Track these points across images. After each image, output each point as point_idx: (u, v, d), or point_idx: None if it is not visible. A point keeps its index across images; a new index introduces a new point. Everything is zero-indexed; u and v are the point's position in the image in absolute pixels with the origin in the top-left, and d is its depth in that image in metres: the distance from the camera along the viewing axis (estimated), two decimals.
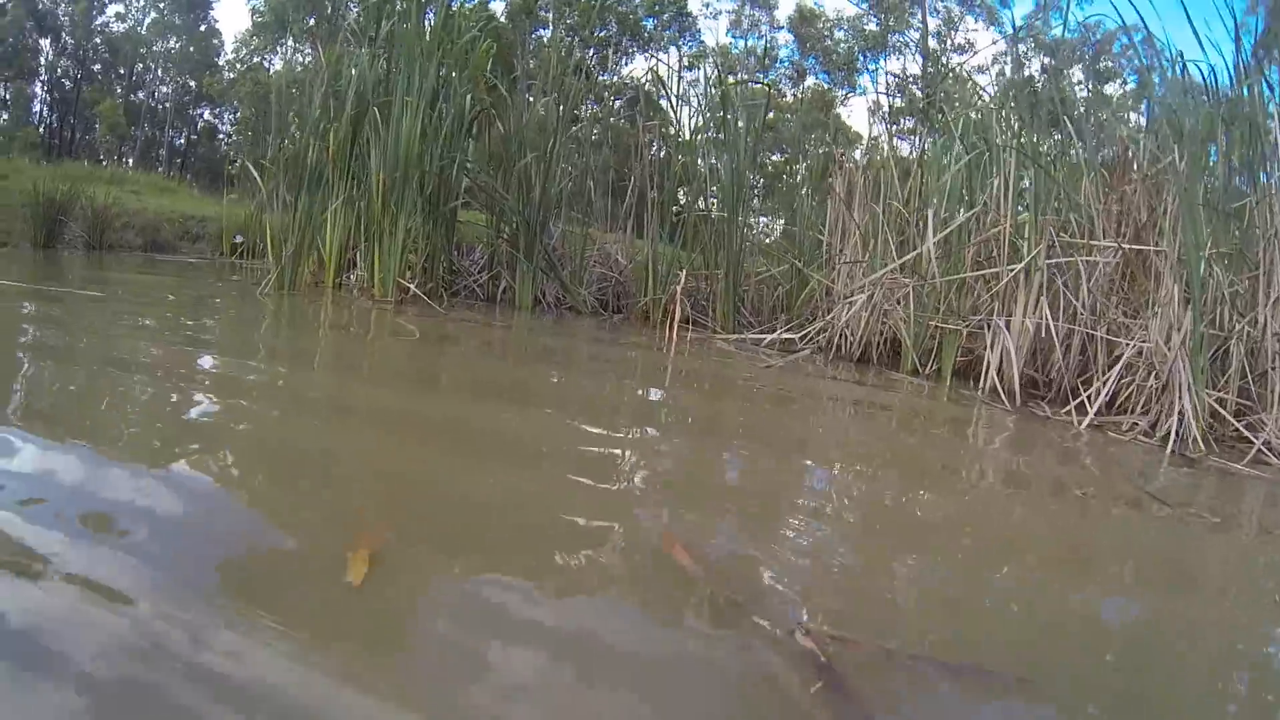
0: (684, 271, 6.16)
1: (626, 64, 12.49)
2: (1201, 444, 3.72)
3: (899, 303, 5.17)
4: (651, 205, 7.04)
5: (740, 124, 6.72)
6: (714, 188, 6.97)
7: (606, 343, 5.40)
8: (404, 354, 4.09)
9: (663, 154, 7.71)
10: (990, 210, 5.09)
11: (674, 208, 7.37)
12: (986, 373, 4.45)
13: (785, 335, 5.63)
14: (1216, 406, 3.98)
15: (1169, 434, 3.72)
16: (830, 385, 4.49)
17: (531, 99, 7.12)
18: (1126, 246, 4.55)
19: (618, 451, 2.52)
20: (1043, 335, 4.53)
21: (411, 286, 5.92)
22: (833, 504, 2.28)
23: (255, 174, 7.12)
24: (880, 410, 4.01)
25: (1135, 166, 4.89)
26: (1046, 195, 4.98)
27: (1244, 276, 4.54)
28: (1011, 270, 4.66)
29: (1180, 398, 3.83)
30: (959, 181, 5.28)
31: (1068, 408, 4.08)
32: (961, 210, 5.12)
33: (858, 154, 6.55)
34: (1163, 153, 4.68)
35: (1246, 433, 3.92)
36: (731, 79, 7.86)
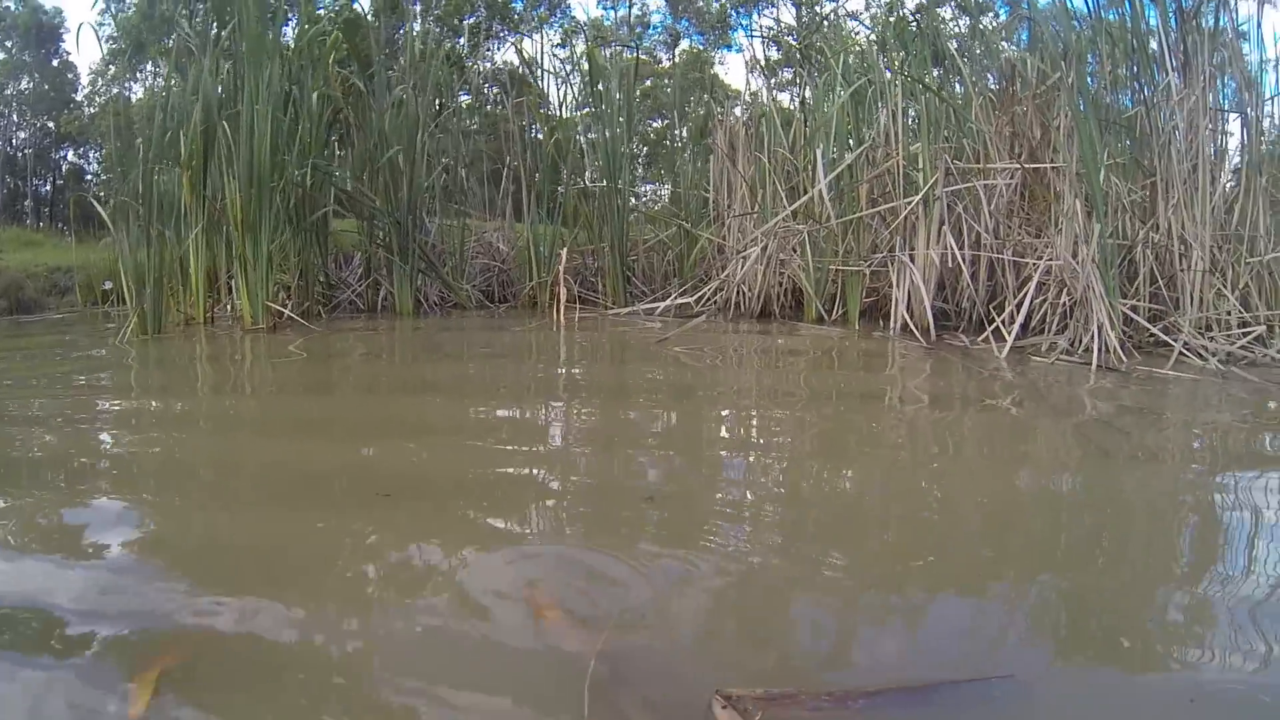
0: (564, 250, 5.72)
1: (500, 48, 11.92)
2: (1122, 354, 3.51)
3: (795, 251, 4.86)
4: (528, 186, 6.59)
5: (618, 95, 6.32)
6: (597, 161, 6.56)
7: (495, 330, 4.93)
8: (261, 394, 3.28)
9: (540, 134, 7.27)
10: (880, 145, 4.83)
11: (557, 186, 6.92)
12: (896, 310, 4.17)
13: (679, 300, 5.25)
14: (1131, 314, 3.79)
15: (1089, 348, 3.51)
16: (733, 339, 4.13)
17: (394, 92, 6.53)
18: (1024, 166, 4.34)
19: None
20: (949, 265, 4.28)
21: (285, 309, 5.18)
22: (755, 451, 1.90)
23: (101, 210, 6.09)
24: (790, 356, 3.66)
25: (1023, 86, 4.69)
26: (936, 124, 4.75)
27: (1141, 184, 4.39)
28: (909, 203, 4.39)
29: (1096, 310, 3.61)
30: (844, 120, 5.00)
31: (984, 335, 3.82)
32: (850, 148, 4.83)
33: (738, 110, 6.21)
34: (1051, 70, 4.50)
35: (1165, 336, 3.76)
36: (606, 51, 7.45)
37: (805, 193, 4.94)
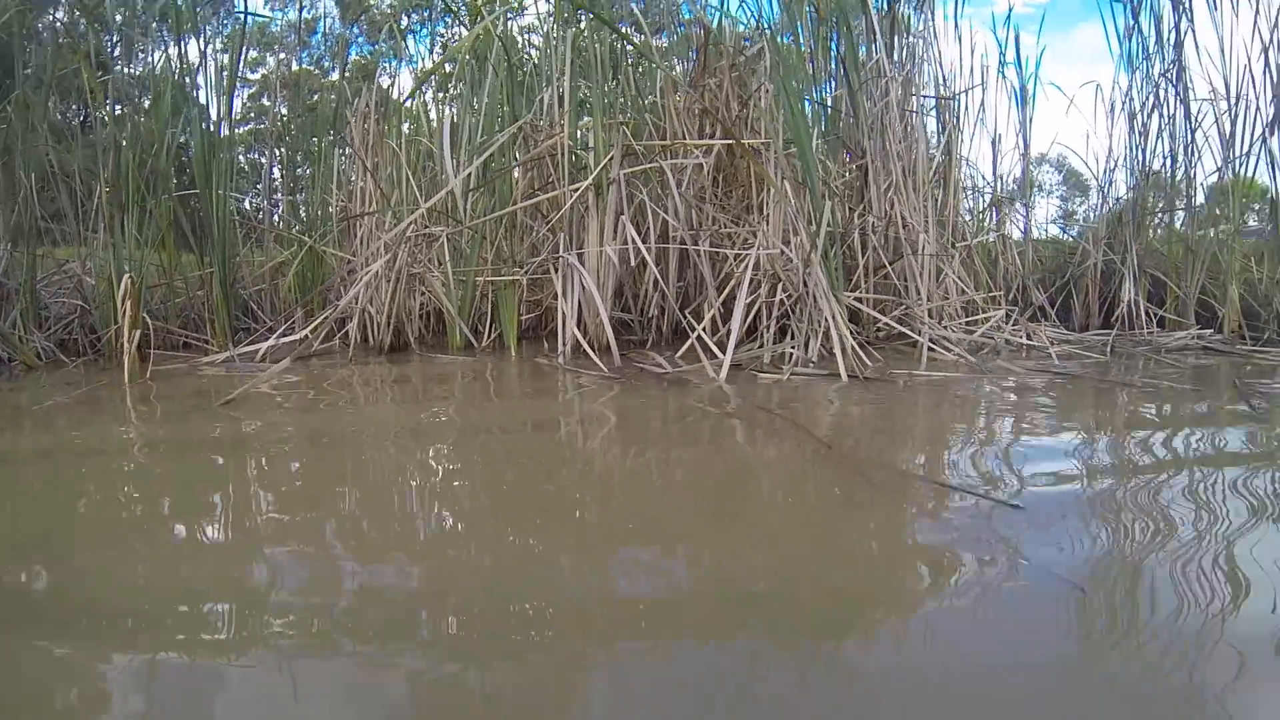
0: (126, 278, 3.94)
1: (159, 51, 9.69)
2: (864, 357, 2.56)
3: (436, 262, 3.53)
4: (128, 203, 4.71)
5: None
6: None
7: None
8: None
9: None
10: (544, 126, 3.68)
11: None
12: (565, 327, 2.96)
13: (291, 337, 3.68)
14: (860, 307, 2.90)
15: (823, 355, 2.54)
16: (299, 398, 2.62)
17: None
18: (720, 142, 3.39)
19: None
20: (631, 264, 3.17)
21: None
22: None
23: None
24: (372, 411, 2.27)
25: (718, 55, 3.81)
26: (613, 100, 3.70)
27: (851, 165, 3.62)
28: (576, 189, 3.24)
29: (825, 307, 2.65)
30: (497, 100, 3.80)
31: (682, 349, 2.72)
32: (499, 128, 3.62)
33: (371, 97, 4.85)
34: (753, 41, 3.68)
35: (902, 329, 2.92)
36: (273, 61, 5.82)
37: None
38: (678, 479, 1.54)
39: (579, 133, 3.79)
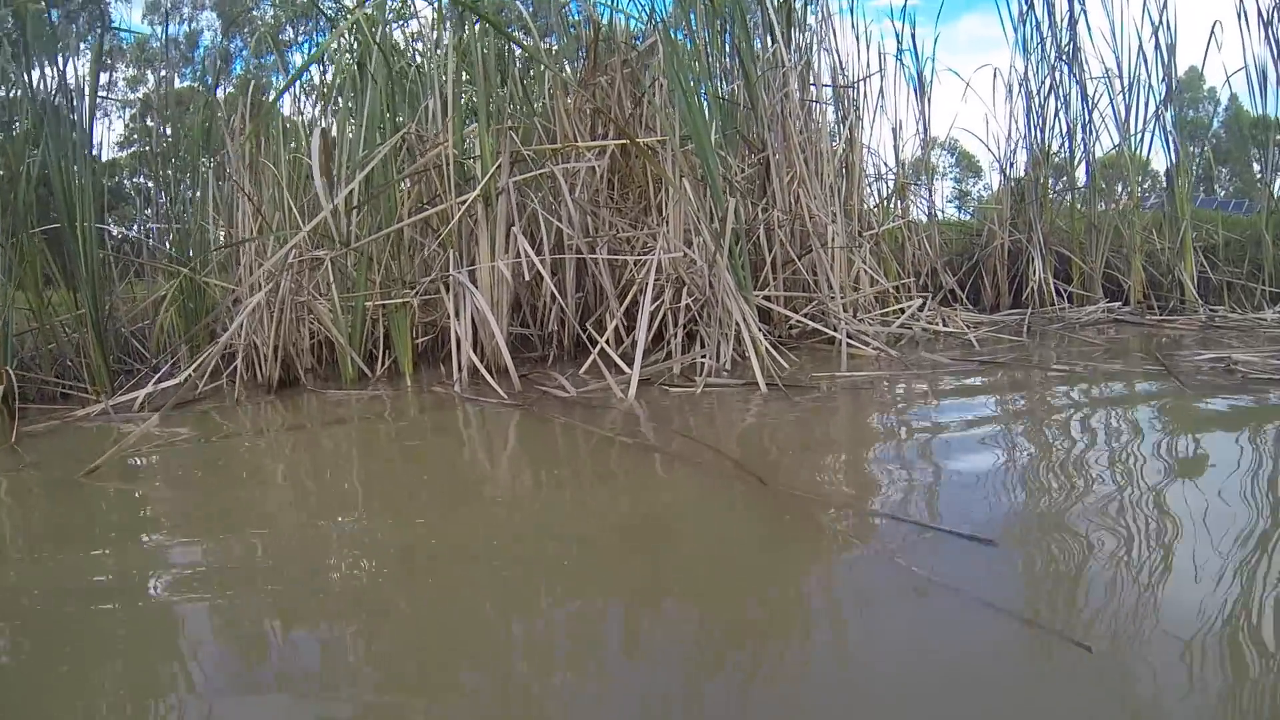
0: None
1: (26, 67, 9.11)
2: (780, 360, 2.44)
3: (322, 289, 3.28)
4: None
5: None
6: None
7: None
8: None
9: None
10: (430, 135, 3.46)
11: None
12: (460, 350, 2.75)
13: (163, 382, 3.37)
14: (785, 310, 2.79)
15: (734, 360, 2.40)
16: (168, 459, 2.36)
17: None
18: (614, 142, 3.23)
19: None
20: (525, 279, 2.98)
21: None
22: None
23: None
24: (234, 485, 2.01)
25: (609, 51, 3.64)
26: (500, 105, 3.50)
27: (748, 160, 3.50)
28: (464, 201, 3.04)
29: (735, 310, 2.51)
30: (376, 110, 3.56)
31: (585, 365, 2.55)
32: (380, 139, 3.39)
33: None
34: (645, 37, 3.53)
35: (817, 325, 2.81)
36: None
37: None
38: (593, 541, 1.33)
39: (464, 140, 3.58)
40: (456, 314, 2.78)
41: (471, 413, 2.37)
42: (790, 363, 2.63)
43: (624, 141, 3.16)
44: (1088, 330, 3.86)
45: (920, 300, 3.32)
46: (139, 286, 4.73)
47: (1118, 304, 4.65)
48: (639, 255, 2.91)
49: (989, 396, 2.26)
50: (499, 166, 3.06)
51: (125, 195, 5.31)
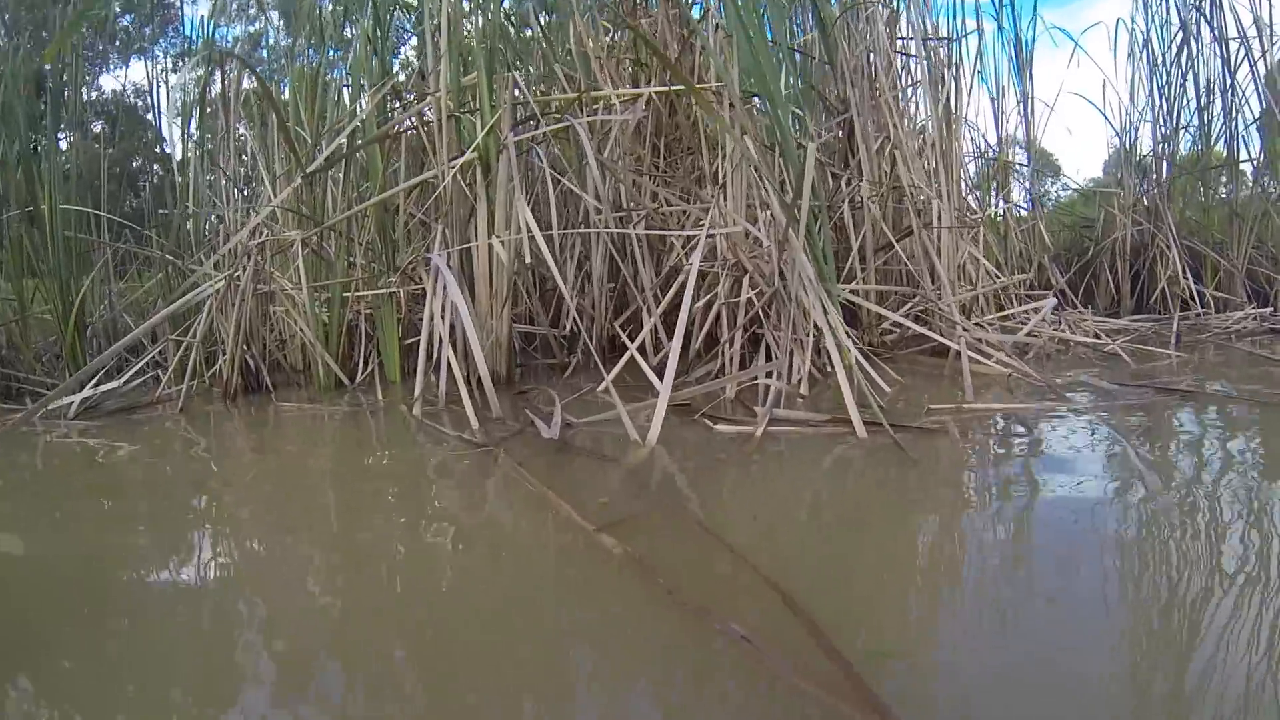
0: None
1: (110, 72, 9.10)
2: (877, 381, 1.71)
3: (292, 277, 2.62)
4: None
5: None
6: None
7: None
8: None
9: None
10: (417, 84, 2.79)
11: None
12: (432, 359, 2.05)
13: (106, 386, 2.73)
14: (878, 309, 2.05)
15: (808, 376, 1.66)
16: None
17: None
18: (651, 90, 2.51)
19: None
20: (529, 263, 2.28)
21: None
22: None
23: None
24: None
25: None
26: (505, 48, 2.80)
27: (834, 122, 2.76)
28: (454, 165, 2.34)
29: (810, 309, 1.77)
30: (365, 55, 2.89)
31: (612, 374, 1.80)
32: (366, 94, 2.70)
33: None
34: None
35: (921, 329, 2.06)
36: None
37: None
38: None
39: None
40: (437, 310, 2.08)
41: (404, 461, 1.63)
42: (889, 381, 1.89)
43: (665, 89, 2.43)
44: (1244, 342, 3.06)
45: (1053, 300, 2.53)
46: (146, 278, 4.20)
47: (1268, 309, 3.80)
48: (688, 232, 2.18)
49: (1228, 450, 1.46)
50: (499, 119, 2.35)
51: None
